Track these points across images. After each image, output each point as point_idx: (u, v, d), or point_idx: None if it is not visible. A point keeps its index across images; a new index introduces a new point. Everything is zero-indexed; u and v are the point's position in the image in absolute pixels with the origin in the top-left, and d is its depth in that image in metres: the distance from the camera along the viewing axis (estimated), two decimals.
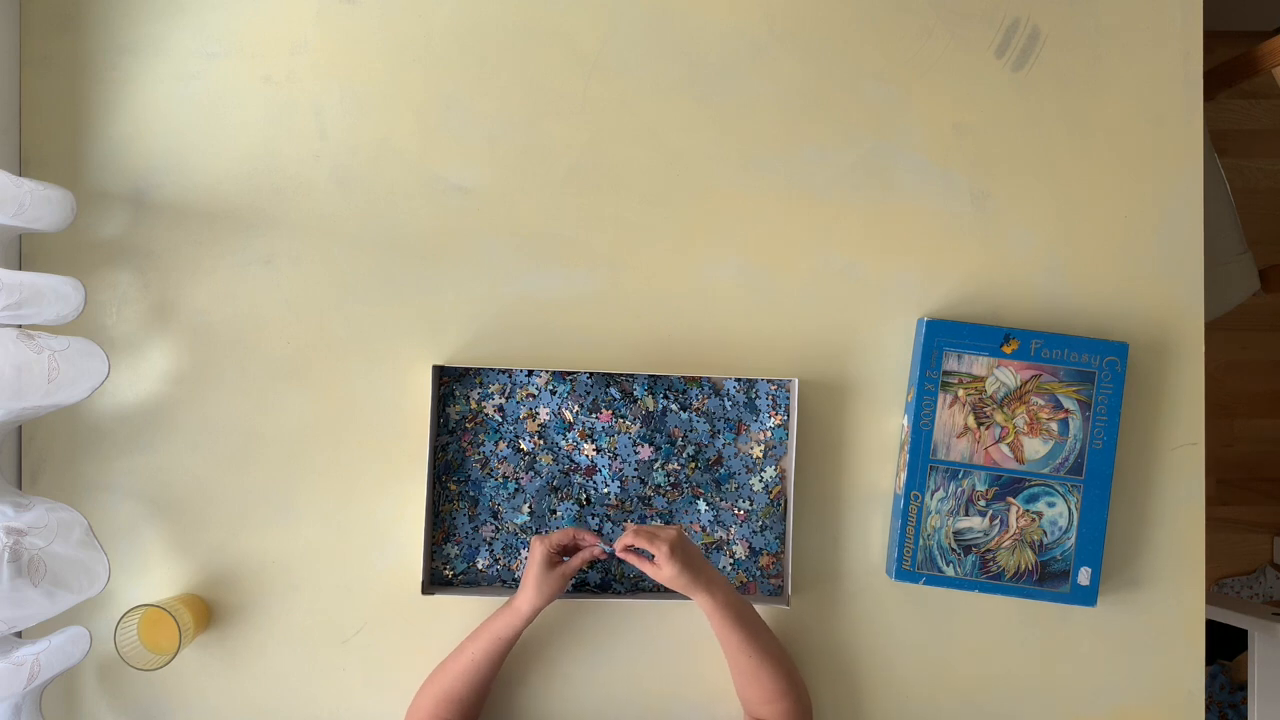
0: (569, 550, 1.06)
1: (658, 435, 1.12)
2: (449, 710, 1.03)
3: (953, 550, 1.10)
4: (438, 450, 1.13)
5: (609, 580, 1.13)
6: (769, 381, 1.14)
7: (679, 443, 1.13)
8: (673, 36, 1.15)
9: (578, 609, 1.12)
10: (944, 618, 1.14)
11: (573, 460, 1.13)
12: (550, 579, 1.03)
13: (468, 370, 1.13)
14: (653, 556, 1.01)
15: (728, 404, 1.14)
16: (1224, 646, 1.99)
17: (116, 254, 1.12)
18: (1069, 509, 1.10)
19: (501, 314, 1.14)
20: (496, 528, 1.13)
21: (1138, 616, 1.15)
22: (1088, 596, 1.10)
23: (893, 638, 1.14)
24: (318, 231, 1.13)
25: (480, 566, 1.13)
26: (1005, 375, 1.11)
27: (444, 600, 1.11)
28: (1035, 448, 1.10)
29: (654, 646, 1.13)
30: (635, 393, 1.13)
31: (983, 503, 1.10)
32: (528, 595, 1.03)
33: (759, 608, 1.11)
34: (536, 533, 1.12)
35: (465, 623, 1.10)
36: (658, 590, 1.13)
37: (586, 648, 1.13)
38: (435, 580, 1.13)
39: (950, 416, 1.10)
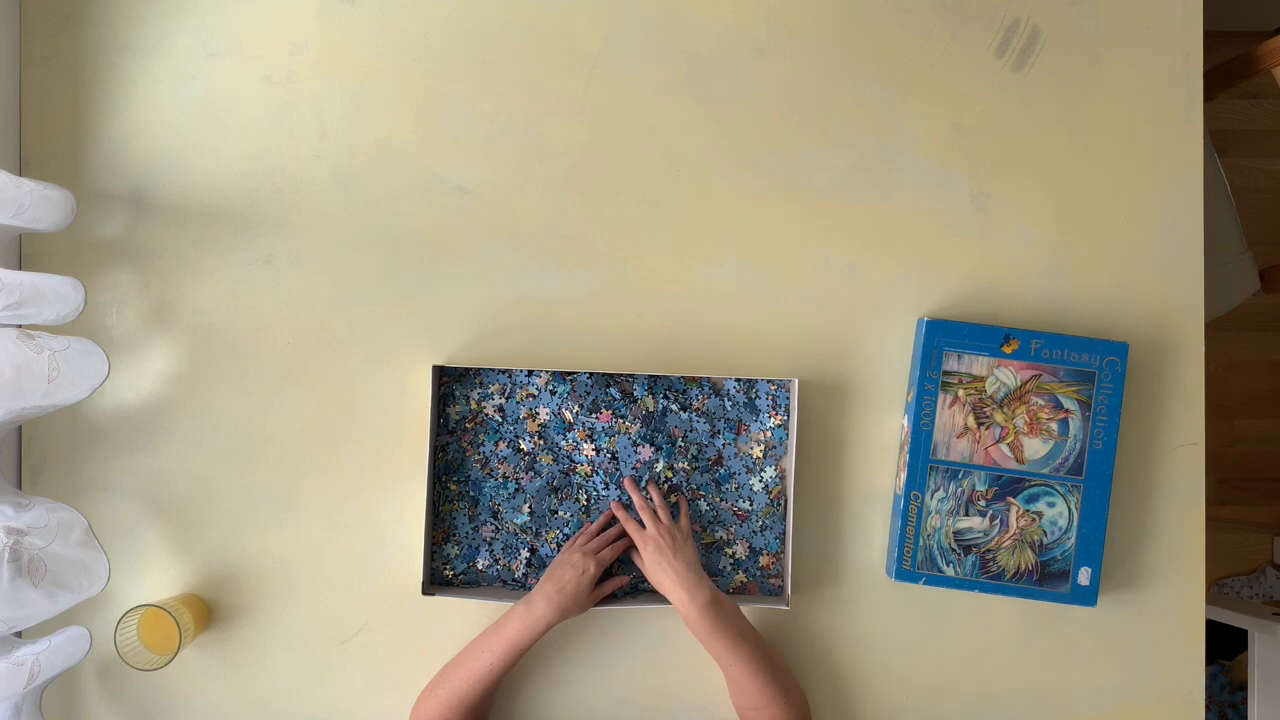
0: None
1: (658, 435, 1.12)
2: (461, 715, 1.03)
3: (953, 550, 1.10)
4: (438, 450, 1.13)
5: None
6: (769, 381, 1.14)
7: (679, 443, 1.13)
8: (673, 36, 1.15)
9: None
10: (944, 618, 1.14)
11: (573, 460, 1.13)
12: (594, 597, 1.06)
13: (468, 370, 1.13)
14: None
15: (728, 404, 1.14)
16: (1224, 646, 1.99)
17: (116, 254, 1.12)
18: (1069, 509, 1.10)
19: (501, 314, 1.14)
20: (496, 528, 1.13)
21: (1138, 616, 1.15)
22: (1088, 596, 1.10)
23: (893, 638, 1.14)
24: (318, 231, 1.13)
25: (480, 567, 1.13)
26: (1005, 375, 1.11)
27: (444, 600, 1.11)
28: (1035, 448, 1.10)
29: (652, 648, 1.13)
30: (635, 393, 1.13)
31: (983, 503, 1.10)
32: (561, 608, 1.03)
33: (759, 608, 1.11)
34: (537, 534, 1.12)
35: (465, 623, 1.10)
36: (657, 593, 1.13)
37: (585, 649, 1.12)
38: (435, 580, 1.13)
39: (950, 416, 1.10)
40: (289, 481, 1.12)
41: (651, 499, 1.10)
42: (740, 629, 1.03)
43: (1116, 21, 1.16)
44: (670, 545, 1.04)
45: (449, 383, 1.13)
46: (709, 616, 1.01)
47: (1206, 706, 1.79)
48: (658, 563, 1.04)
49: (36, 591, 0.94)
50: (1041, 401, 1.10)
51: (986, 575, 1.10)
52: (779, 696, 1.02)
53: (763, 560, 1.13)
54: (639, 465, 1.12)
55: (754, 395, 1.14)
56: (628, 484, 1.10)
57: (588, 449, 1.12)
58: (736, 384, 1.14)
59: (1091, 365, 1.10)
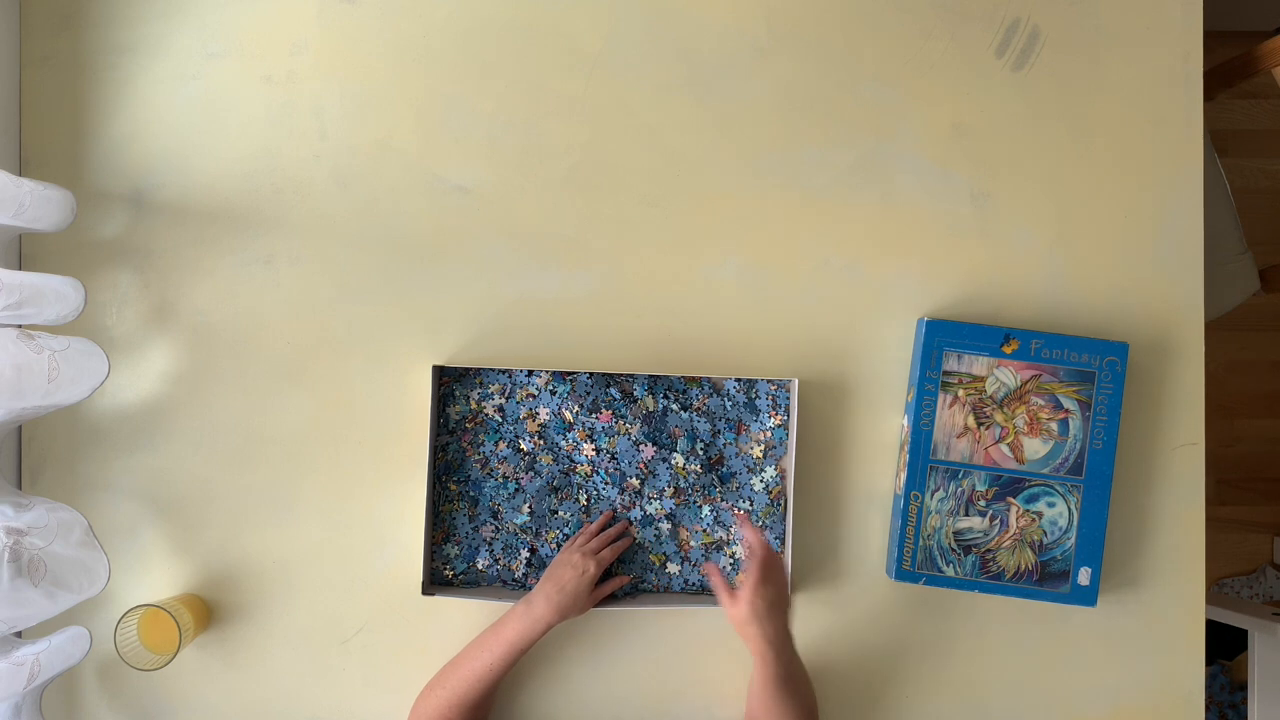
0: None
1: (660, 434, 1.12)
2: (461, 715, 1.03)
3: (953, 550, 1.10)
4: (438, 450, 1.13)
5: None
6: (769, 381, 1.14)
7: (684, 443, 1.13)
8: (673, 36, 1.15)
9: None
10: (944, 618, 1.14)
11: (573, 460, 1.13)
12: (594, 597, 1.06)
13: (468, 370, 1.13)
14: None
15: (728, 404, 1.14)
16: (1224, 646, 1.99)
17: (116, 254, 1.12)
18: (1069, 509, 1.10)
19: (501, 314, 1.14)
20: (496, 528, 1.13)
21: (1138, 616, 1.15)
22: (1088, 596, 1.10)
23: (893, 638, 1.14)
24: (318, 231, 1.13)
25: (480, 567, 1.13)
26: (1005, 375, 1.11)
27: (444, 600, 1.11)
28: (1035, 448, 1.10)
29: (654, 648, 1.13)
30: (635, 393, 1.13)
31: (983, 503, 1.10)
32: (561, 608, 1.03)
33: None
34: (537, 534, 1.12)
35: (465, 623, 1.10)
36: (657, 593, 1.13)
37: (585, 649, 1.12)
38: (435, 580, 1.13)
39: (950, 416, 1.10)
40: (289, 481, 1.12)
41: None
42: (798, 686, 0.99)
43: (1116, 21, 1.16)
44: (764, 598, 0.98)
45: (449, 383, 1.13)
46: (780, 674, 0.98)
47: (1206, 706, 1.79)
48: (755, 612, 0.98)
49: (36, 591, 0.94)
50: (1041, 401, 1.10)
51: (986, 575, 1.10)
52: None
53: None
54: (642, 466, 1.12)
55: (754, 395, 1.14)
56: (741, 517, 1.06)
57: (588, 449, 1.12)
58: (736, 384, 1.14)
59: (1091, 365, 1.10)
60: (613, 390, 1.12)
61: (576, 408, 1.12)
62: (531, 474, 1.13)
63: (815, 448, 1.14)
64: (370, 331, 1.13)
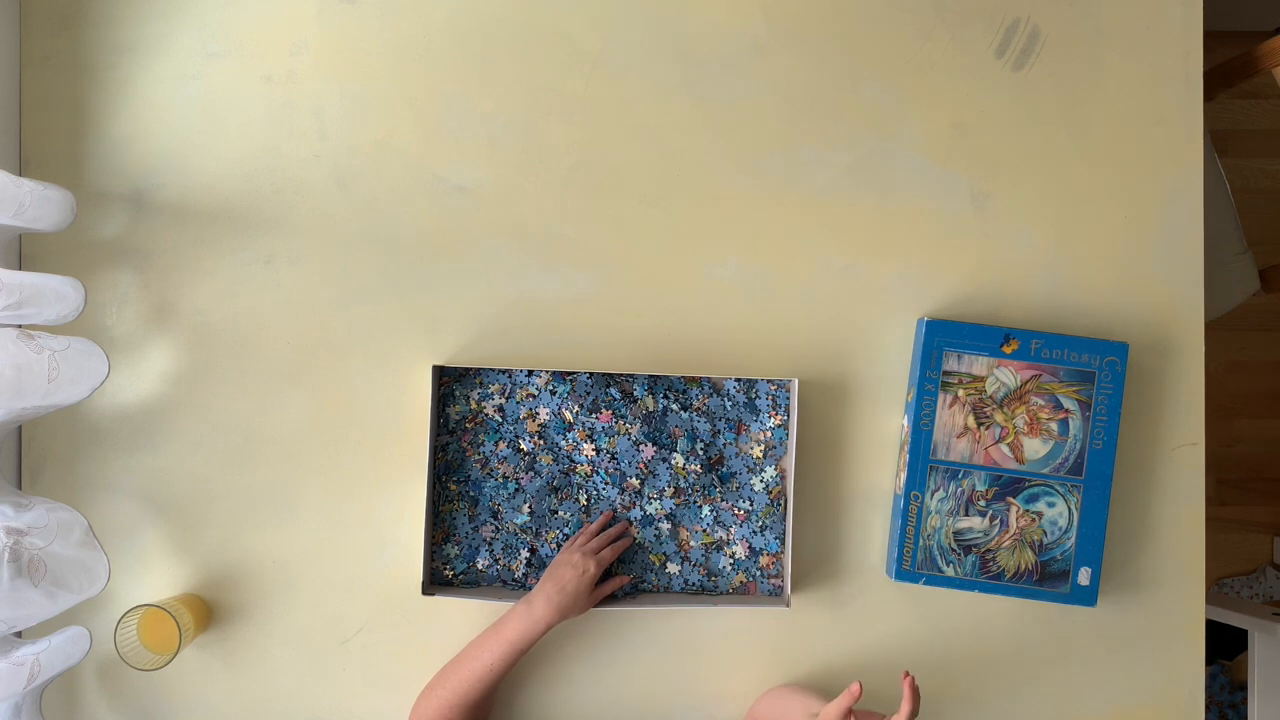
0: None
1: (660, 434, 1.12)
2: (462, 715, 1.03)
3: (953, 550, 1.10)
4: (438, 450, 1.13)
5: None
6: (769, 381, 1.14)
7: (684, 443, 1.13)
8: (672, 36, 1.15)
9: None
10: (944, 618, 1.14)
11: (573, 460, 1.13)
12: (594, 597, 1.06)
13: (468, 370, 1.13)
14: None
15: (728, 404, 1.14)
16: (1224, 646, 1.99)
17: (116, 254, 1.12)
18: (1069, 509, 1.10)
19: (501, 314, 1.14)
20: (496, 528, 1.13)
21: (1138, 616, 1.15)
22: (1088, 596, 1.10)
23: (893, 638, 1.14)
24: (318, 231, 1.13)
25: (480, 567, 1.13)
26: (1005, 375, 1.11)
27: (444, 600, 1.11)
28: (1035, 448, 1.10)
29: (652, 648, 1.13)
30: (635, 393, 1.13)
31: (983, 503, 1.10)
32: (561, 608, 1.03)
33: (759, 608, 1.11)
34: (537, 534, 1.12)
35: (465, 623, 1.10)
36: (657, 593, 1.13)
37: (585, 649, 1.13)
38: (435, 580, 1.13)
39: (950, 416, 1.10)
40: (289, 481, 1.12)
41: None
42: None
43: (1116, 21, 1.16)
44: None
45: (449, 383, 1.13)
46: None
47: (1206, 706, 1.79)
48: None
49: (36, 591, 0.94)
50: (1041, 401, 1.10)
51: (986, 575, 1.10)
52: None
53: (763, 560, 1.13)
54: (641, 464, 1.12)
55: (754, 395, 1.14)
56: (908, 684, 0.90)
57: (588, 449, 1.12)
58: (736, 384, 1.14)
59: (1091, 365, 1.10)
60: (613, 390, 1.12)
61: (576, 408, 1.12)
62: (531, 474, 1.13)
63: (815, 448, 1.14)
64: (370, 331, 1.13)
